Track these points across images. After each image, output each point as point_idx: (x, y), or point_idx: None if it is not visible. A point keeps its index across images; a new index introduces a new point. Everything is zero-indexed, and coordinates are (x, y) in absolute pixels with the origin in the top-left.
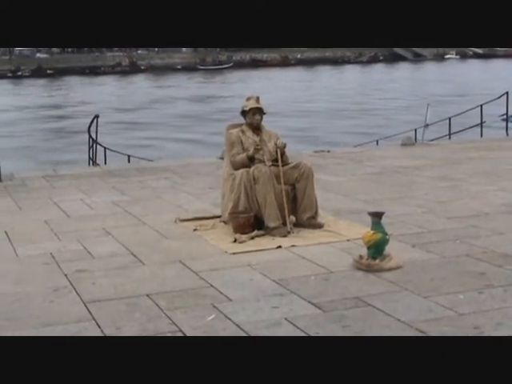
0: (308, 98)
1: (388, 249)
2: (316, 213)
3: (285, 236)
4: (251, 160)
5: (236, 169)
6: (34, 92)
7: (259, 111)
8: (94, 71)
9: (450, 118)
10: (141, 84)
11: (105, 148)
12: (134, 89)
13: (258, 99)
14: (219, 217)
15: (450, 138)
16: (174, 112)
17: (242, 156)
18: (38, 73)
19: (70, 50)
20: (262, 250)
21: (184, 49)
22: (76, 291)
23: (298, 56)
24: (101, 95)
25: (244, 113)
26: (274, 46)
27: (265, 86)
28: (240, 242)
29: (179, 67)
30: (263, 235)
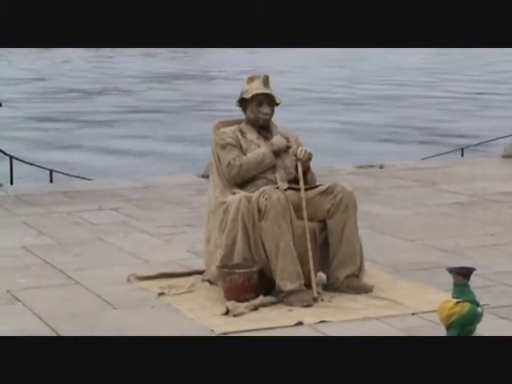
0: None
1: (481, 328)
2: (360, 268)
3: (309, 305)
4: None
5: (242, 178)
6: None
7: (269, 100)
8: None
9: None
10: (71, 54)
11: (11, 157)
12: (68, 60)
13: (266, 80)
14: (201, 273)
15: None
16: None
17: (259, 152)
18: None
19: None
20: (271, 329)
21: None
22: None
23: None
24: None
25: (244, 102)
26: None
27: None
28: (235, 315)
29: None
30: (273, 303)
